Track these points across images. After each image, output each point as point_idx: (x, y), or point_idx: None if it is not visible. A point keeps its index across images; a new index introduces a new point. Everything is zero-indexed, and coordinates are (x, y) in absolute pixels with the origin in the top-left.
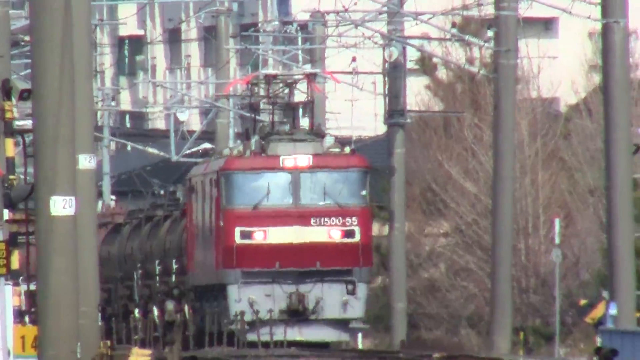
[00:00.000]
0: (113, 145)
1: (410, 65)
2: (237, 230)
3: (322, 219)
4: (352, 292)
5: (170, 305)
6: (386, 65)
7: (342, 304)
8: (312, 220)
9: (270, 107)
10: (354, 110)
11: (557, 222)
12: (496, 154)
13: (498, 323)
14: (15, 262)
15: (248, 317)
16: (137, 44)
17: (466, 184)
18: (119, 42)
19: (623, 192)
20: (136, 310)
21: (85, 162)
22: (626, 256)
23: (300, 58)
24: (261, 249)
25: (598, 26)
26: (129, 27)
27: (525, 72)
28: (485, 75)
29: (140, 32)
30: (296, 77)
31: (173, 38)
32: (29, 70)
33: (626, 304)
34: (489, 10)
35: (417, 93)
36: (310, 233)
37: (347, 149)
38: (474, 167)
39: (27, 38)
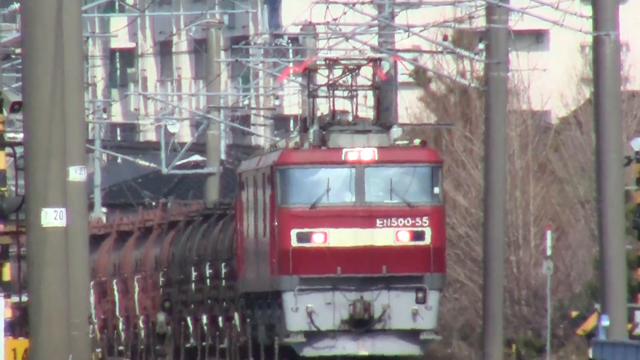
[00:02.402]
0: (104, 157)
1: (403, 78)
2: (294, 232)
3: (389, 220)
4: (422, 301)
5: (161, 317)
6: (377, 78)
7: (412, 314)
8: (378, 221)
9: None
10: None
11: (548, 234)
12: (487, 167)
13: (490, 335)
14: (7, 274)
15: (306, 327)
16: (129, 56)
17: (457, 197)
18: (111, 55)
19: (614, 204)
20: (188, 318)
21: (76, 174)
22: (618, 268)
23: (291, 70)
24: (321, 253)
25: (589, 39)
26: (120, 40)
27: (516, 85)
28: (477, 87)
29: (132, 45)
30: (360, 61)
31: (164, 51)
32: (20, 83)
33: (618, 315)
34: (480, 23)
35: (408, 106)
36: (376, 235)
37: (417, 141)
38: (464, 180)
39: (18, 50)
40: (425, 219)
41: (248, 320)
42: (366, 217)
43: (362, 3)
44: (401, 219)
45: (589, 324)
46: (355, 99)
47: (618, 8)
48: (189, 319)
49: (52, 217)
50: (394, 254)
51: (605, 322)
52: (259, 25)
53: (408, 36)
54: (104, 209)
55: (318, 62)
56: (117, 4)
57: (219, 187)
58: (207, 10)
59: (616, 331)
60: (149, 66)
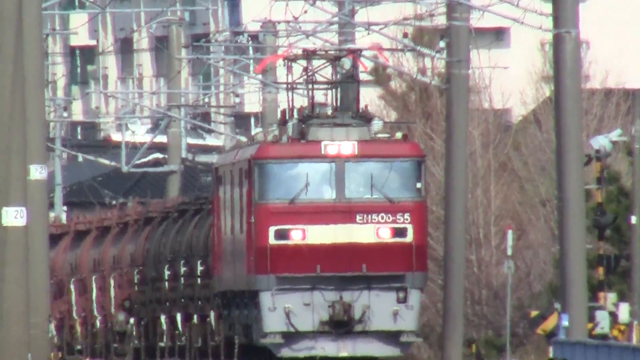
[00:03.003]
0: (65, 156)
1: (363, 76)
2: (272, 229)
3: (370, 216)
4: (403, 301)
5: (120, 316)
6: (338, 76)
7: (393, 314)
8: (358, 217)
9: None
10: None
11: (509, 233)
12: (448, 165)
13: (450, 335)
14: None
15: (284, 328)
16: (89, 53)
17: None
18: (71, 52)
19: (574, 203)
20: (162, 317)
21: (37, 172)
22: (578, 267)
23: (251, 68)
24: (299, 251)
25: (549, 36)
26: (80, 37)
27: (477, 83)
28: (438, 85)
29: (92, 42)
30: (339, 53)
31: (125, 48)
32: None
33: (578, 315)
34: (441, 20)
35: (369, 104)
36: (356, 232)
37: (399, 135)
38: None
39: None
40: (407, 215)
41: (224, 319)
42: (346, 213)
43: (323, 0)
44: (382, 215)
45: (549, 323)
46: (335, 91)
47: (578, 6)
48: (162, 318)
49: (12, 216)
50: (374, 251)
51: (565, 322)
52: (220, 22)
53: (368, 34)
54: (65, 208)
55: (296, 53)
56: (77, 0)
57: (179, 185)
58: (167, 7)
59: (576, 330)
60: (109, 63)
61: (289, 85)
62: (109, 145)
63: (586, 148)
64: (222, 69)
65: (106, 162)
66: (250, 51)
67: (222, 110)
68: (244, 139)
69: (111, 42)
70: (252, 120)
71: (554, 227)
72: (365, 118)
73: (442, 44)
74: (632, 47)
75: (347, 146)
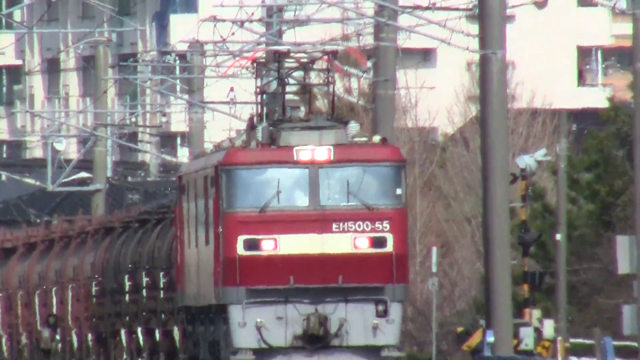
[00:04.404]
0: None
1: (289, 96)
2: (241, 239)
3: (347, 224)
4: (383, 314)
5: (45, 333)
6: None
7: (372, 328)
8: (334, 226)
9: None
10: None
11: (434, 250)
12: None
13: None
14: None
15: (255, 344)
16: (15, 73)
17: None
18: None
19: (500, 221)
20: (122, 331)
21: None
22: (503, 284)
23: (178, 88)
24: (271, 262)
25: (476, 57)
26: (7, 57)
27: (403, 102)
28: (364, 105)
29: (19, 62)
30: (314, 54)
31: (51, 68)
32: None
33: (503, 331)
34: (368, 40)
35: None
36: (332, 241)
37: (376, 138)
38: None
39: None
40: (386, 223)
41: (188, 336)
42: (321, 221)
43: (251, 21)
44: (360, 223)
45: (474, 339)
46: (308, 95)
47: (505, 27)
48: (122, 333)
49: None
50: (351, 262)
51: (490, 338)
52: (147, 42)
53: (296, 53)
54: None
55: (267, 56)
56: (4, 20)
57: (105, 203)
58: (95, 28)
59: (502, 347)
60: (36, 83)
61: (258, 89)
62: (34, 164)
63: (512, 167)
64: (148, 89)
65: (31, 181)
66: (177, 71)
67: (148, 130)
68: (169, 157)
69: (38, 62)
70: (179, 139)
71: (480, 243)
72: (341, 121)
73: (369, 63)
74: (558, 68)
75: (321, 151)
